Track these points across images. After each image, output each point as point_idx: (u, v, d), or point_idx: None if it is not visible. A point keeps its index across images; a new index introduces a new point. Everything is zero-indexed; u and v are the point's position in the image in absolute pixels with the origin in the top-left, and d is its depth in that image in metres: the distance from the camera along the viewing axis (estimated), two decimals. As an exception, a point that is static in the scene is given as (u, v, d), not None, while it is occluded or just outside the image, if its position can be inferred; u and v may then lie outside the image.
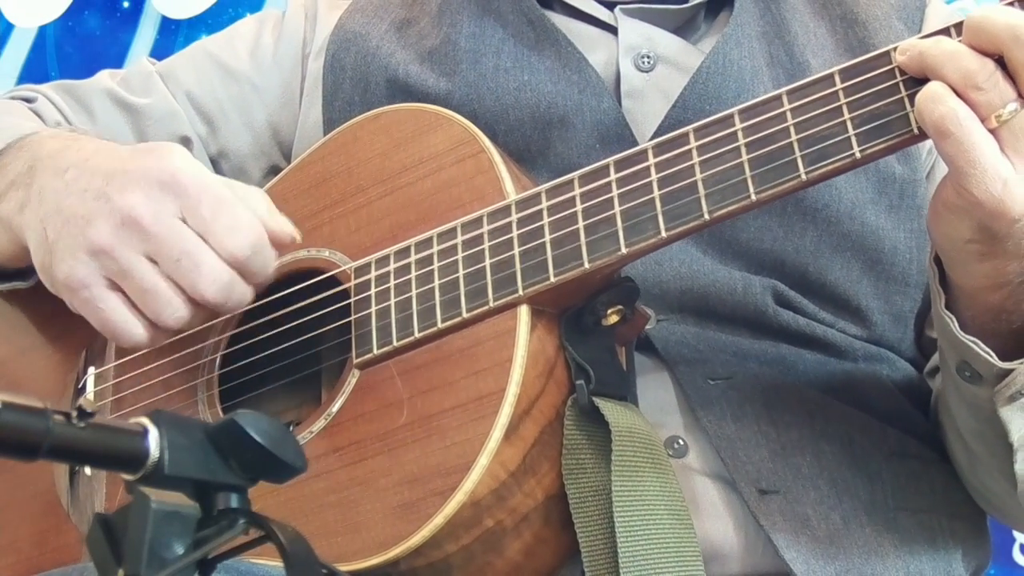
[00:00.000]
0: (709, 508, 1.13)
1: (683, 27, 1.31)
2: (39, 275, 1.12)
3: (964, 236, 0.97)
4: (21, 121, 1.32)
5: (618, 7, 1.29)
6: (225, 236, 1.05)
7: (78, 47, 2.68)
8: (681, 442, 1.15)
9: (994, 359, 1.01)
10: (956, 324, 1.03)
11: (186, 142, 1.40)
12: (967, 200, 0.93)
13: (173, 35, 2.64)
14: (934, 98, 0.92)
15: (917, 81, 0.95)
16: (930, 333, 1.28)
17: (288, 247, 1.12)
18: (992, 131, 0.92)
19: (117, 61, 2.61)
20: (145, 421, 0.67)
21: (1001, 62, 0.92)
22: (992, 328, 1.03)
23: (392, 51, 1.33)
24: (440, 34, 1.32)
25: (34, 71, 2.68)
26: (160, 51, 2.62)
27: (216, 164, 1.41)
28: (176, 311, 1.06)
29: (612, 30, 1.29)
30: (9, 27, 2.72)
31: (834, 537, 1.11)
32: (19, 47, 2.72)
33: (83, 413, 0.64)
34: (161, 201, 1.05)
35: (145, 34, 2.66)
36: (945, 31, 0.95)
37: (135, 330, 1.07)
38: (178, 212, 1.05)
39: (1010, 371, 1.01)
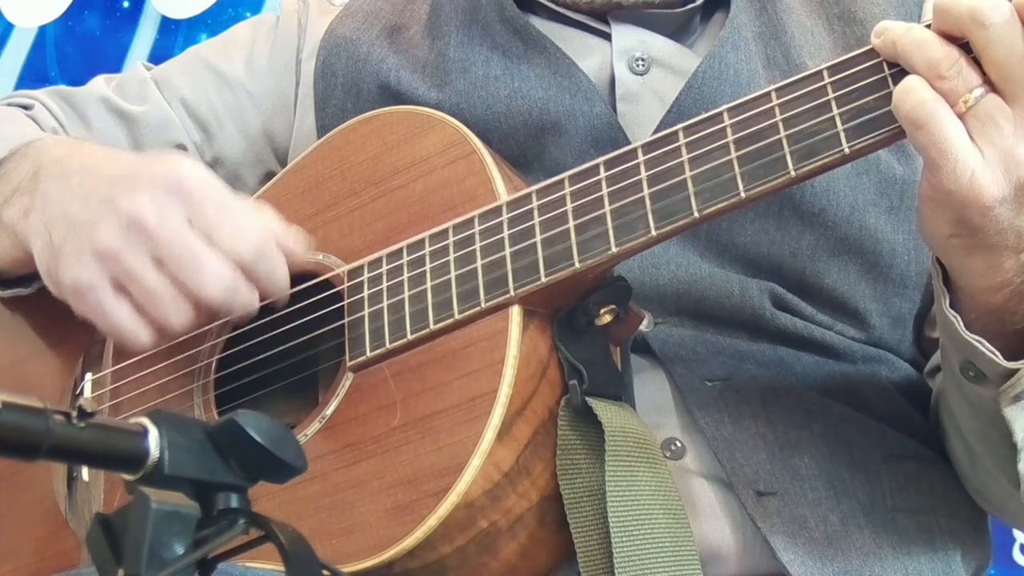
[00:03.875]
0: (707, 510, 1.12)
1: (678, 30, 1.31)
2: (44, 280, 1.12)
3: (945, 231, 0.97)
4: (21, 128, 1.32)
5: (610, 14, 1.29)
6: (230, 238, 1.06)
7: (78, 47, 2.69)
8: (678, 444, 1.14)
9: (999, 359, 1.01)
10: (961, 323, 1.02)
11: (181, 150, 1.40)
12: (940, 191, 0.93)
13: (173, 35, 2.65)
14: (907, 89, 0.92)
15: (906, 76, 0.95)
16: (930, 334, 1.27)
17: (296, 254, 1.12)
18: (961, 118, 0.92)
19: (117, 61, 2.62)
20: (145, 421, 0.67)
21: (968, 47, 0.93)
22: (996, 329, 1.02)
23: (383, 57, 1.33)
24: (429, 43, 1.32)
25: (34, 71, 2.69)
26: (160, 51, 2.63)
27: (211, 171, 1.41)
28: (181, 313, 1.06)
29: (606, 35, 1.29)
30: (9, 27, 2.73)
31: (832, 539, 1.11)
32: (19, 47, 2.73)
33: (83, 413, 0.64)
34: (167, 205, 1.05)
35: (145, 34, 2.67)
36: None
37: (141, 333, 1.08)
38: (184, 216, 1.05)
39: (1015, 371, 1.01)
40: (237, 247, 1.06)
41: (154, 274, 1.05)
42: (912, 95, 0.92)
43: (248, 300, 1.08)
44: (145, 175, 1.07)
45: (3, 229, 1.18)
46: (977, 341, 1.01)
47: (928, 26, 0.95)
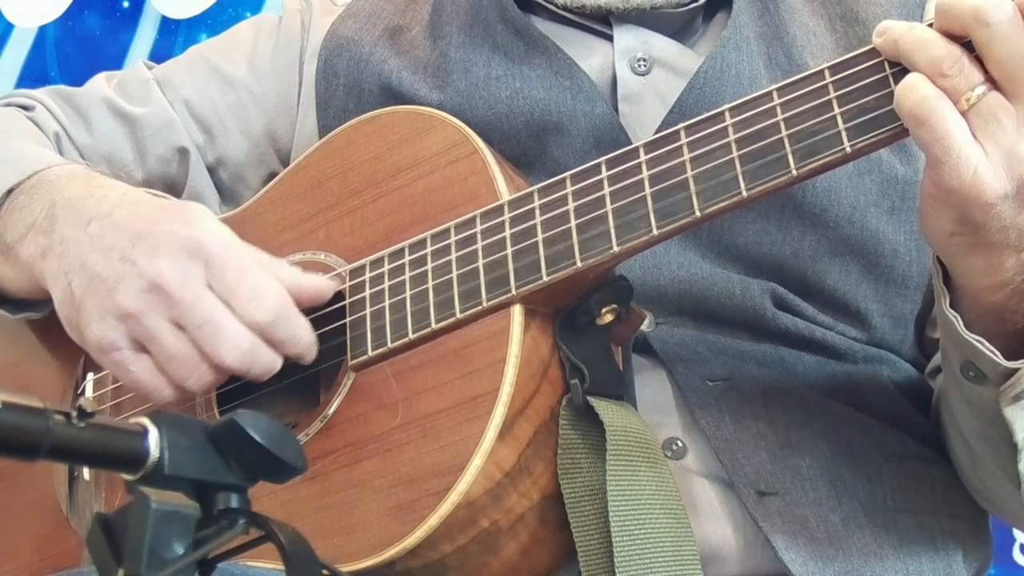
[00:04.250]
0: (708, 509, 1.12)
1: (680, 30, 1.31)
2: (66, 328, 1.13)
3: (947, 229, 0.97)
4: (26, 146, 1.31)
5: (611, 15, 1.29)
6: (246, 302, 1.06)
7: (78, 47, 2.69)
8: (680, 443, 1.14)
9: (999, 358, 1.01)
10: (961, 323, 1.02)
11: (183, 152, 1.41)
12: (942, 189, 0.93)
13: (173, 35, 2.65)
14: (909, 87, 0.92)
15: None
16: (931, 334, 1.27)
17: (323, 297, 1.13)
18: (964, 115, 0.92)
19: (117, 61, 2.62)
20: (145, 421, 0.67)
21: (970, 46, 0.93)
22: (996, 328, 1.02)
23: (385, 57, 1.33)
24: (431, 44, 1.32)
25: (34, 71, 2.69)
26: (160, 51, 2.63)
27: (214, 172, 1.42)
28: (200, 377, 1.07)
29: (607, 36, 1.28)
30: (9, 27, 2.73)
31: (833, 538, 1.11)
32: (19, 47, 2.73)
33: (83, 413, 0.64)
34: (187, 268, 1.06)
35: (145, 34, 2.67)
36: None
37: (163, 391, 1.09)
38: (204, 279, 1.06)
39: (1015, 370, 1.01)
40: (253, 313, 1.06)
41: (173, 337, 1.06)
42: (914, 92, 0.92)
43: (269, 363, 1.09)
44: (165, 235, 1.08)
45: (19, 264, 1.18)
46: (977, 341, 1.01)
47: (930, 25, 0.95)
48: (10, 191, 1.21)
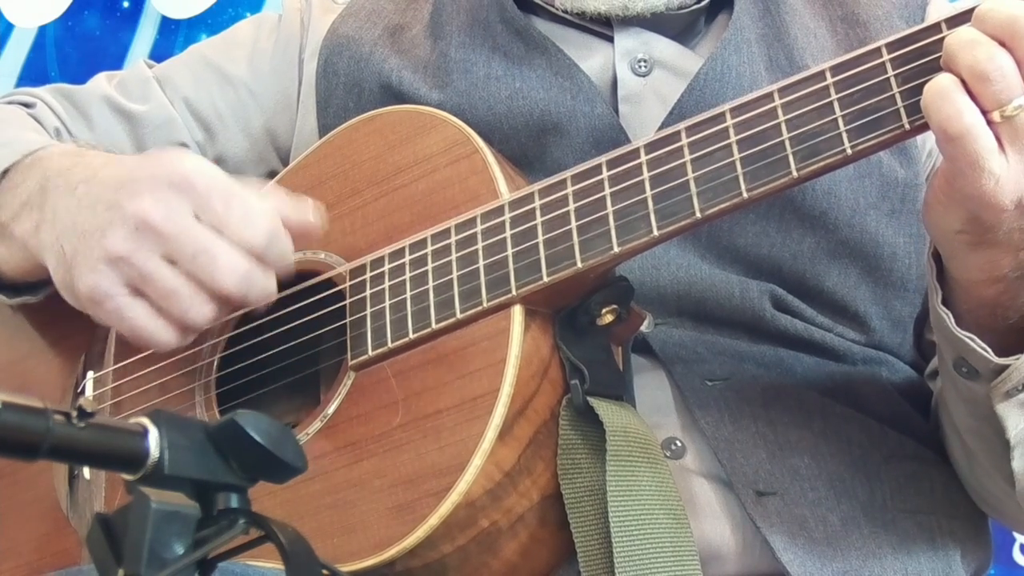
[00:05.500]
0: (706, 509, 1.12)
1: (682, 32, 1.31)
2: (62, 293, 1.12)
3: (954, 227, 0.97)
4: (24, 133, 1.31)
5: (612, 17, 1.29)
6: (240, 227, 1.05)
7: (78, 47, 2.69)
8: (679, 443, 1.14)
9: (990, 355, 1.02)
10: (952, 320, 1.03)
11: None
12: (959, 193, 0.93)
13: (173, 35, 2.65)
14: (942, 94, 0.91)
15: (908, 77, 0.95)
16: (930, 336, 1.26)
17: (313, 227, 1.11)
18: (993, 124, 0.91)
19: (117, 61, 2.62)
20: (145, 421, 0.67)
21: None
22: (989, 324, 1.03)
23: (385, 56, 1.33)
24: (431, 43, 1.32)
25: (34, 71, 2.69)
26: (160, 51, 2.63)
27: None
28: (200, 308, 1.05)
29: (608, 37, 1.28)
30: (9, 27, 2.73)
31: (832, 539, 1.11)
32: (19, 47, 2.72)
33: (83, 413, 0.64)
34: (172, 202, 1.04)
35: (145, 34, 2.67)
36: (936, 26, 0.95)
37: (164, 333, 1.07)
38: (191, 210, 1.04)
39: (1006, 366, 1.02)
40: (247, 235, 1.05)
41: (168, 272, 1.04)
42: (945, 104, 0.91)
43: (265, 286, 1.07)
44: (147, 175, 1.06)
45: (14, 243, 1.18)
46: (968, 337, 1.02)
47: (930, 28, 0.95)
48: (6, 171, 1.21)
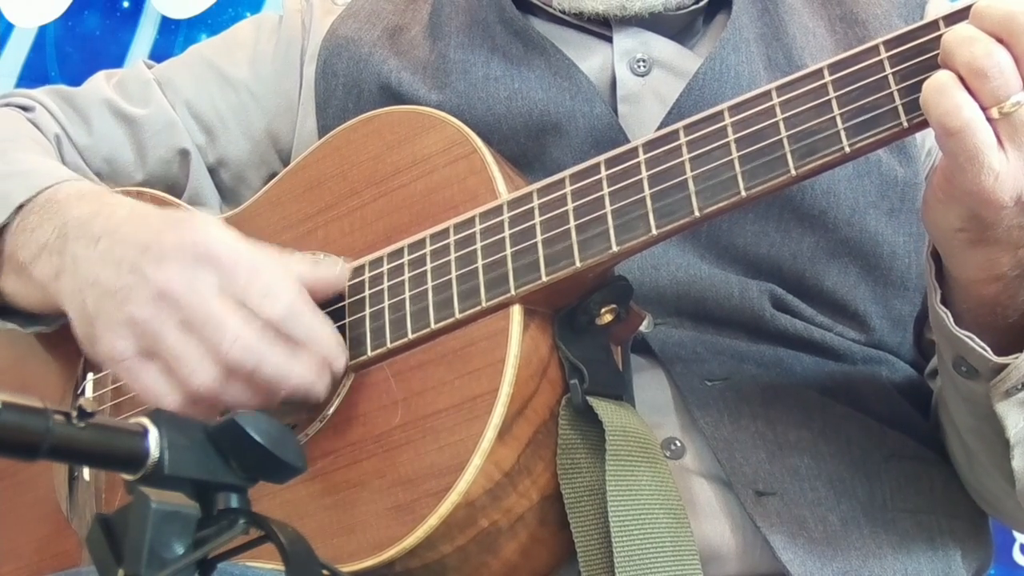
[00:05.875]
0: (706, 509, 1.12)
1: (680, 32, 1.31)
2: (81, 345, 1.12)
3: (954, 225, 0.97)
4: (32, 156, 1.31)
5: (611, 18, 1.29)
6: (259, 299, 1.04)
7: (78, 47, 2.69)
8: (678, 443, 1.14)
9: (989, 354, 1.01)
10: (951, 319, 1.03)
11: (184, 154, 1.41)
12: (958, 190, 0.93)
13: (173, 35, 2.65)
14: (940, 90, 0.91)
15: (906, 75, 0.95)
16: (929, 335, 1.27)
17: (338, 285, 1.12)
18: (992, 121, 0.91)
19: (117, 61, 2.62)
20: (145, 421, 0.67)
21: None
22: (988, 323, 1.03)
23: (384, 58, 1.33)
24: (430, 44, 1.32)
25: (34, 71, 2.69)
26: (160, 51, 2.63)
27: (215, 173, 1.42)
28: (204, 374, 1.04)
29: (607, 37, 1.29)
30: (9, 27, 2.73)
31: (832, 538, 1.11)
32: (19, 47, 2.73)
33: (83, 413, 0.64)
34: (196, 274, 1.05)
35: (145, 34, 2.67)
36: (933, 23, 0.95)
37: (168, 395, 1.06)
38: (215, 283, 1.04)
39: (1006, 365, 1.01)
40: (266, 307, 1.04)
41: (180, 337, 1.04)
42: (944, 98, 0.90)
43: (279, 363, 1.05)
44: (173, 244, 1.06)
45: (32, 283, 1.18)
46: (967, 336, 1.02)
47: (927, 26, 0.95)
48: (20, 207, 1.21)
